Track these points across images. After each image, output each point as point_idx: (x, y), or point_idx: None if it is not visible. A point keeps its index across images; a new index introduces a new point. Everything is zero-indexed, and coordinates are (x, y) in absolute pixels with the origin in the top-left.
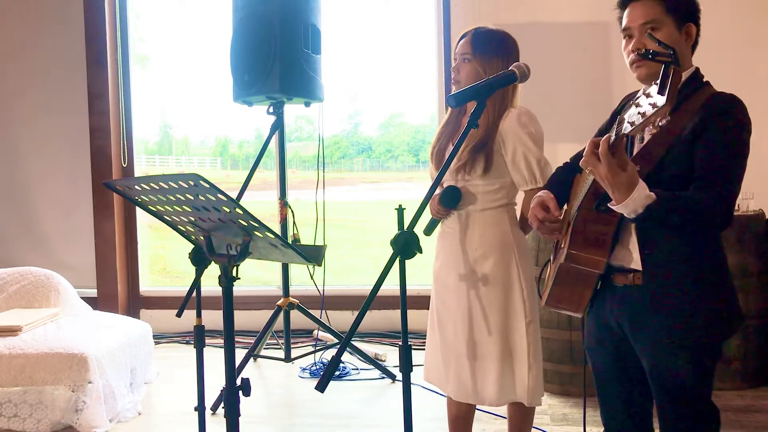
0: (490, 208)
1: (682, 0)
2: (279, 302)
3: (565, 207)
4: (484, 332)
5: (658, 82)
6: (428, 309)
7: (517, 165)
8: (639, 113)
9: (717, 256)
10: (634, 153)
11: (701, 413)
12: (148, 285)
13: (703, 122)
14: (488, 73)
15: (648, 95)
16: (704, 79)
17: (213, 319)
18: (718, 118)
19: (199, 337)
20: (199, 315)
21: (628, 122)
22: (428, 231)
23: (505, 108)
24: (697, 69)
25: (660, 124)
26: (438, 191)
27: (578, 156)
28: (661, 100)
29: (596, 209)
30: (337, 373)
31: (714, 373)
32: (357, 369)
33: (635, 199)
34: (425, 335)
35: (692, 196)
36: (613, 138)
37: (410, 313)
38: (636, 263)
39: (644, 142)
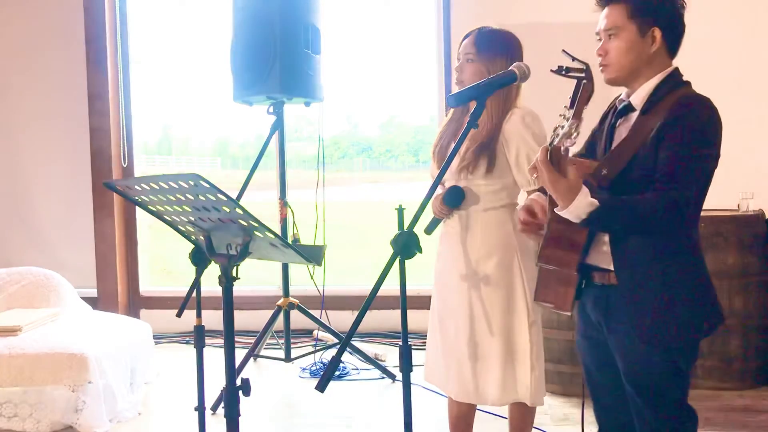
0: (493, 208)
1: (649, 5)
2: (279, 302)
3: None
4: (486, 333)
5: (570, 97)
6: (428, 309)
7: (520, 166)
8: (560, 126)
9: (689, 254)
10: (606, 155)
11: (676, 415)
12: (148, 285)
13: (666, 124)
14: (492, 73)
15: (566, 108)
16: (683, 79)
17: (213, 319)
18: (679, 121)
19: (199, 337)
20: (199, 315)
21: (556, 134)
22: (429, 230)
23: (509, 108)
24: (675, 70)
25: (574, 136)
26: (440, 191)
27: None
28: (570, 114)
29: None
30: (337, 373)
31: (690, 374)
32: (357, 369)
33: (577, 206)
34: (425, 335)
35: (639, 202)
36: (549, 148)
37: (410, 313)
38: (608, 263)
39: (617, 145)
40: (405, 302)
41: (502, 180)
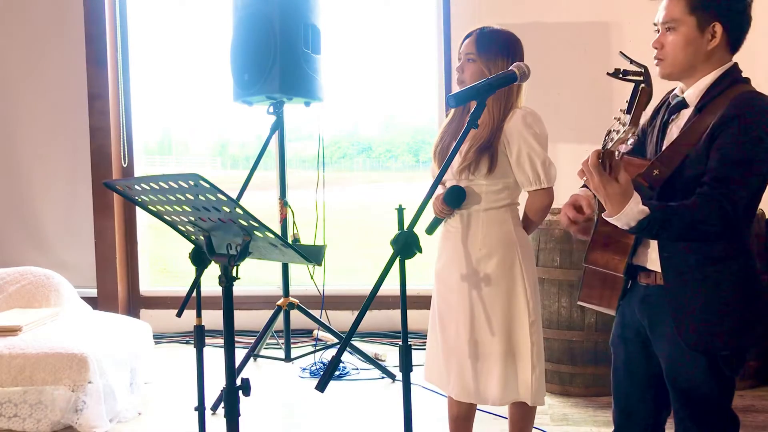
0: (494, 208)
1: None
2: (279, 302)
3: None
4: (487, 332)
5: (628, 100)
6: (428, 309)
7: (521, 165)
8: (614, 130)
9: (740, 258)
10: (659, 154)
11: (718, 421)
12: (148, 285)
13: (720, 124)
14: (492, 73)
15: (622, 111)
16: (742, 75)
17: (213, 319)
18: (734, 121)
19: (199, 337)
20: (199, 315)
21: (609, 138)
22: (430, 230)
23: (510, 108)
24: (734, 66)
25: (630, 142)
26: (441, 190)
27: None
28: (627, 120)
29: None
30: (337, 373)
31: (735, 382)
32: (357, 369)
33: (627, 214)
34: (425, 335)
35: (688, 209)
36: (602, 151)
37: (410, 313)
38: (653, 264)
39: (670, 144)
40: (405, 302)
41: (503, 180)
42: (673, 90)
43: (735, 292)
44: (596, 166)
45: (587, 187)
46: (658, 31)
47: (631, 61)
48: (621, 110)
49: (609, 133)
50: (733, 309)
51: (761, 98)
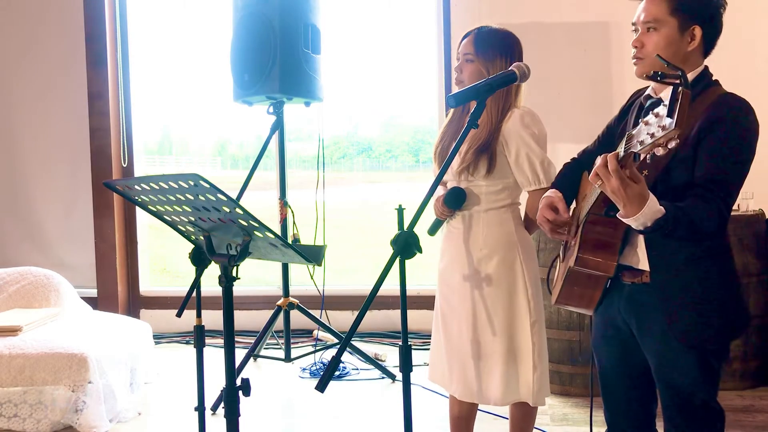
0: (494, 209)
1: (692, 2)
2: (279, 302)
3: (573, 206)
4: (489, 332)
5: (667, 103)
6: (428, 309)
7: (520, 166)
8: (648, 133)
9: (724, 257)
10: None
11: (706, 414)
12: (148, 285)
13: (707, 126)
14: (491, 73)
15: (657, 115)
16: (713, 78)
17: (213, 319)
18: (723, 123)
19: (199, 337)
20: (199, 315)
21: (638, 141)
22: (432, 231)
23: (508, 108)
24: (706, 68)
25: (670, 146)
26: (441, 191)
27: (585, 152)
28: (670, 123)
29: (605, 215)
30: (337, 373)
31: (720, 375)
32: (357, 369)
33: (646, 214)
34: (425, 335)
35: (695, 209)
36: (621, 154)
37: (410, 313)
38: (643, 264)
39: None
40: (405, 302)
41: (503, 180)
42: (644, 90)
43: (720, 287)
44: (617, 170)
45: (555, 188)
46: (636, 31)
47: (668, 64)
48: (653, 113)
49: (631, 137)
50: (719, 304)
51: (741, 100)
